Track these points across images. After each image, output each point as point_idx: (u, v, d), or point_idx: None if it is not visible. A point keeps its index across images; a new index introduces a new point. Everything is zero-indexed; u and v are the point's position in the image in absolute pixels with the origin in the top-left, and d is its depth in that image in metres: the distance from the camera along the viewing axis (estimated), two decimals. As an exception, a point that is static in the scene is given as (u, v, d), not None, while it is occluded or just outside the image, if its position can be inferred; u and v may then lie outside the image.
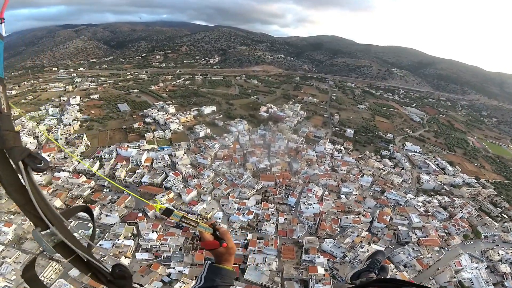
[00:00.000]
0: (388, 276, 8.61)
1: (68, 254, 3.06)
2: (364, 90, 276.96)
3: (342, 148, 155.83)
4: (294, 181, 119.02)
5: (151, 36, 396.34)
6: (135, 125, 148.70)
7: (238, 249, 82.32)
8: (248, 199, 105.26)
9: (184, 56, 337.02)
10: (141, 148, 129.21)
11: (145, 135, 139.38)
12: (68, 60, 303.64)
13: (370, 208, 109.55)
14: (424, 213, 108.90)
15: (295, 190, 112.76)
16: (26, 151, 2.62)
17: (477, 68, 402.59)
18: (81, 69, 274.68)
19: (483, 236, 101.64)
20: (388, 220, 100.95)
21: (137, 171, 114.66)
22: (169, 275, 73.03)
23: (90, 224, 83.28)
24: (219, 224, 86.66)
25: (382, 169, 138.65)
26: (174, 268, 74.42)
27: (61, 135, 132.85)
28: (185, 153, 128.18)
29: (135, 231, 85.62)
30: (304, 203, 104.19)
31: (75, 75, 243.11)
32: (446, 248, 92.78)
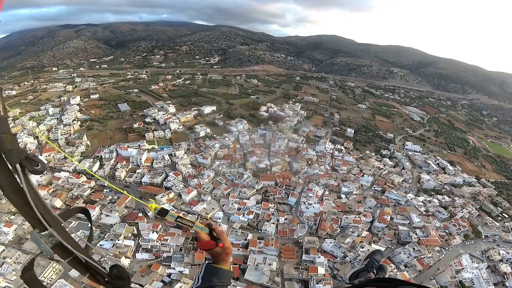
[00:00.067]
0: (387, 276, 8.67)
1: (66, 255, 3.08)
2: (364, 90, 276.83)
3: (342, 147, 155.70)
4: (295, 181, 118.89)
5: (151, 36, 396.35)
6: (135, 125, 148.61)
7: (239, 249, 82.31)
8: (248, 199, 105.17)
9: (184, 55, 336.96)
10: (141, 148, 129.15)
11: (145, 135, 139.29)
12: (68, 60, 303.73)
13: (370, 208, 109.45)
14: (424, 212, 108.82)
15: (295, 190, 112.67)
16: (23, 153, 2.64)
17: (477, 68, 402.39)
18: (81, 69, 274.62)
19: (483, 236, 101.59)
20: (389, 220, 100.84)
21: (137, 171, 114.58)
22: (169, 275, 72.94)
23: (89, 224, 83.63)
24: (219, 224, 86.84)
25: (382, 168, 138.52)
26: (174, 268, 74.32)
27: (61, 135, 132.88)
28: (185, 153, 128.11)
29: (135, 231, 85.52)
30: (304, 203, 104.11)
31: (75, 75, 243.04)
32: (446, 248, 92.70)
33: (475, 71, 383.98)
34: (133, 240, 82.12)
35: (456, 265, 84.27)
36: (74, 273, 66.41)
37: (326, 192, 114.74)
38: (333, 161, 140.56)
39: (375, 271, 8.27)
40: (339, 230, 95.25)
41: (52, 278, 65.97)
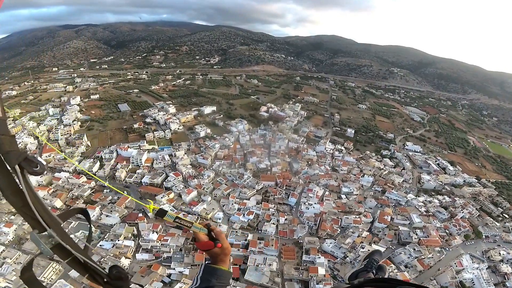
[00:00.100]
0: (386, 276, 8.65)
1: (65, 256, 3.10)
2: (365, 90, 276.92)
3: (342, 148, 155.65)
4: (295, 181, 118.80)
5: (151, 36, 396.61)
6: (136, 125, 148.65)
7: (239, 250, 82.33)
8: (249, 199, 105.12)
9: (184, 56, 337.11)
10: (141, 148, 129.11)
11: (146, 135, 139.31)
12: (68, 60, 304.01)
13: (371, 208, 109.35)
14: (425, 213, 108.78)
15: (295, 190, 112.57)
16: (22, 155, 2.66)
17: (477, 68, 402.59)
18: (81, 69, 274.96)
19: (484, 236, 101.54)
20: (389, 220, 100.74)
21: (138, 171, 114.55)
22: (169, 275, 72.83)
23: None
24: (219, 225, 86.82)
25: (382, 169, 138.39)
26: (174, 269, 74.23)
27: (61, 135, 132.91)
28: (185, 153, 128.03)
29: (135, 232, 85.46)
30: (304, 203, 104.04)
31: (75, 75, 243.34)
32: (447, 248, 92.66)
33: (475, 71, 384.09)
34: (133, 240, 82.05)
35: (456, 266, 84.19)
36: (74, 273, 66.33)
37: (327, 193, 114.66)
38: (333, 162, 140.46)
39: (374, 271, 8.26)
40: (339, 230, 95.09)
41: (52, 278, 65.89)
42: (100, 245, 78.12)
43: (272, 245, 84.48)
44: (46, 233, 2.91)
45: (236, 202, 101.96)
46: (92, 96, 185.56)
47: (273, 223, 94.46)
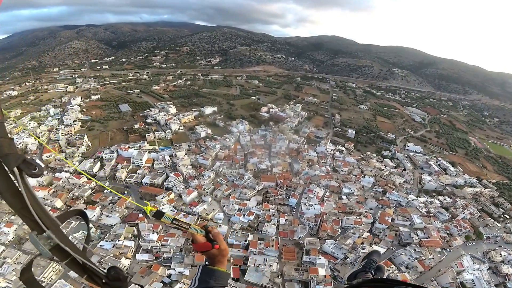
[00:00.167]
0: (384, 276, 8.79)
1: (64, 257, 3.13)
2: (366, 90, 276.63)
3: (343, 148, 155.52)
4: (295, 182, 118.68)
5: (152, 36, 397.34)
6: (136, 126, 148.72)
7: (239, 250, 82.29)
8: (249, 200, 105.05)
9: (185, 56, 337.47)
10: (142, 148, 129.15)
11: (146, 135, 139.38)
12: (69, 61, 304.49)
13: (371, 209, 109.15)
14: (425, 214, 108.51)
15: (296, 191, 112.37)
16: (20, 157, 2.67)
17: (478, 68, 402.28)
18: (82, 69, 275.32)
19: (485, 237, 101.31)
20: (390, 221, 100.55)
21: (138, 171, 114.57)
22: (169, 276, 72.77)
23: (90, 225, 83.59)
24: (219, 225, 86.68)
25: (383, 169, 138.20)
26: (174, 269, 74.17)
27: (62, 135, 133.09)
28: (185, 154, 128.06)
29: (135, 232, 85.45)
30: (305, 204, 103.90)
31: (76, 75, 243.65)
32: (448, 249, 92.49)
33: (476, 71, 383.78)
34: (133, 240, 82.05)
35: (457, 267, 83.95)
36: (73, 273, 65.81)
37: (327, 193, 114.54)
38: (334, 162, 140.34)
39: (373, 272, 8.36)
40: (340, 231, 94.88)
41: (52, 279, 65.92)
42: (100, 246, 78.14)
43: (273, 245, 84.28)
44: (44, 234, 2.93)
45: (236, 202, 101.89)
46: (93, 97, 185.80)
47: (274, 224, 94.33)
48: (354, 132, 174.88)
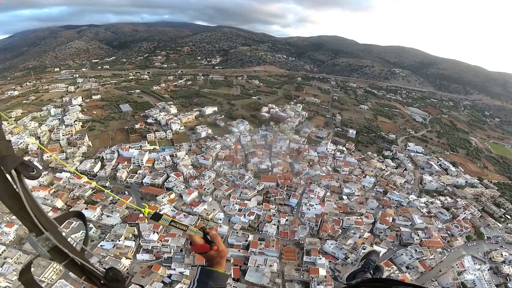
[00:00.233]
0: (384, 276, 8.90)
1: (62, 258, 3.15)
2: (366, 90, 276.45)
3: (344, 148, 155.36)
4: (296, 182, 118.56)
5: (153, 36, 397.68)
6: (137, 126, 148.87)
7: (239, 250, 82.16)
8: (249, 200, 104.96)
9: (186, 56, 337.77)
10: (142, 148, 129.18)
11: (147, 135, 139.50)
12: (70, 61, 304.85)
13: (372, 209, 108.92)
14: (426, 214, 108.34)
15: (296, 191, 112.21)
16: (18, 159, 2.69)
17: (479, 68, 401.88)
18: (83, 69, 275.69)
19: (486, 237, 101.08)
20: (391, 221, 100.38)
21: (139, 171, 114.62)
22: (169, 276, 72.73)
23: (90, 225, 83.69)
24: (220, 226, 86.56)
25: (384, 169, 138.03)
26: (175, 269, 74.13)
27: (63, 135, 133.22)
28: (186, 154, 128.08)
29: (136, 232, 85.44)
30: (305, 204, 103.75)
31: (77, 75, 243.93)
32: (448, 250, 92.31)
33: (477, 71, 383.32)
34: (134, 240, 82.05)
35: (458, 267, 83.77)
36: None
37: (328, 193, 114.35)
38: (334, 162, 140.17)
39: (371, 272, 8.42)
40: (340, 231, 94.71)
41: (52, 279, 65.96)
42: (100, 246, 78.15)
43: (273, 246, 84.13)
44: (43, 236, 2.94)
45: (237, 202, 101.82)
46: (93, 97, 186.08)
47: (274, 224, 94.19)
48: (355, 132, 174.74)
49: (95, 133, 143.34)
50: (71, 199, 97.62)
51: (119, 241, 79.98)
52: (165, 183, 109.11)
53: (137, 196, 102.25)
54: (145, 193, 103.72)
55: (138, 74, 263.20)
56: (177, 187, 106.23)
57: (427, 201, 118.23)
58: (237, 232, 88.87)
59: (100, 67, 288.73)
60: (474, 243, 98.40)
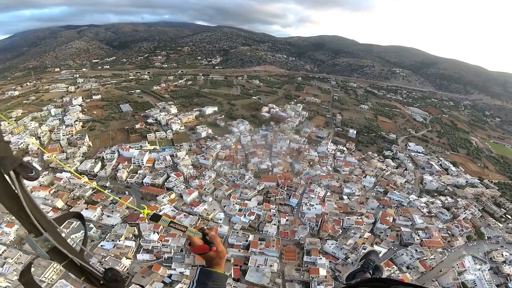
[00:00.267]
0: (383, 276, 8.82)
1: (61, 259, 3.15)
2: (367, 90, 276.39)
3: (344, 148, 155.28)
4: (296, 182, 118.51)
5: (153, 36, 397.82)
6: (137, 126, 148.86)
7: (240, 250, 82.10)
8: (250, 200, 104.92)
9: (186, 56, 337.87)
10: (143, 148, 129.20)
11: (147, 135, 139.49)
12: (71, 61, 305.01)
13: (373, 209, 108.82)
14: (427, 214, 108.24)
15: (297, 191, 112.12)
16: (17, 160, 2.69)
17: (479, 68, 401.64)
18: (83, 69, 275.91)
19: (486, 237, 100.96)
20: (391, 221, 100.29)
21: (139, 171, 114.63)
22: (170, 276, 72.75)
23: (91, 225, 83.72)
24: (220, 226, 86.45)
25: (385, 169, 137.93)
26: (175, 269, 74.17)
27: (63, 135, 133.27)
28: (186, 154, 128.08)
29: (136, 232, 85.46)
30: (306, 204, 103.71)
31: (78, 75, 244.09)
32: (449, 250, 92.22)
33: (477, 71, 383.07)
34: (134, 240, 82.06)
35: (458, 267, 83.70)
36: (74, 274, 66.18)
37: (328, 193, 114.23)
38: (335, 162, 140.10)
39: (371, 271, 8.46)
40: (341, 231, 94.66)
41: (52, 279, 65.97)
42: (101, 246, 78.15)
43: (273, 246, 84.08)
44: (42, 237, 2.94)
45: (237, 202, 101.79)
46: (94, 97, 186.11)
47: (274, 224, 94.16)
48: (355, 132, 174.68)
49: (96, 133, 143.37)
50: (71, 199, 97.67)
51: (119, 241, 80.00)
52: (165, 183, 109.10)
53: (138, 196, 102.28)
54: (145, 193, 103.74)
55: (138, 74, 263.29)
56: (177, 187, 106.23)
57: (428, 201, 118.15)
58: (237, 232, 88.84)
59: (100, 67, 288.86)
60: (475, 243, 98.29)
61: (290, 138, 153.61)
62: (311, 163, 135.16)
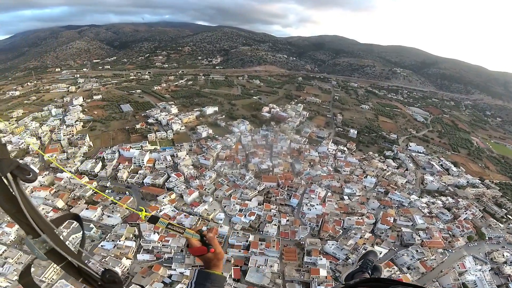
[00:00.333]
0: (382, 276, 8.83)
1: (59, 260, 3.13)
2: (367, 90, 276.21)
3: (345, 148, 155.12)
4: (297, 182, 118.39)
5: (154, 36, 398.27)
6: (138, 126, 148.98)
7: (240, 251, 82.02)
8: (250, 200, 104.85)
9: (187, 56, 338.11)
10: (143, 148, 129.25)
11: (148, 135, 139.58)
12: (71, 61, 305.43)
13: (373, 210, 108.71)
14: (428, 214, 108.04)
15: (297, 191, 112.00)
16: (14, 163, 2.71)
17: (480, 68, 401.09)
18: (84, 69, 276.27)
19: (487, 238, 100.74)
20: (392, 221, 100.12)
21: (139, 171, 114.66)
22: (170, 276, 72.71)
23: (91, 225, 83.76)
24: (220, 226, 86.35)
25: (385, 169, 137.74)
26: (175, 270, 74.14)
27: (64, 135, 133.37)
28: (187, 154, 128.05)
29: (136, 232, 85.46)
30: (306, 205, 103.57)
31: (78, 75, 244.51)
32: (450, 250, 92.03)
33: (478, 71, 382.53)
34: (134, 241, 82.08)
35: (459, 267, 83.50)
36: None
37: (329, 194, 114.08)
38: (335, 162, 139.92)
39: (369, 271, 8.51)
40: (341, 231, 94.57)
41: (53, 279, 66.02)
42: (101, 246, 78.11)
43: (274, 246, 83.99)
44: (40, 238, 2.95)
45: (237, 203, 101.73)
46: (94, 97, 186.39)
47: (275, 224, 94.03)
48: (356, 132, 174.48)
49: (96, 133, 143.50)
50: (72, 199, 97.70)
51: (119, 241, 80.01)
52: (166, 183, 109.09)
53: (138, 197, 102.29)
54: (146, 193, 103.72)
55: (139, 74, 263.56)
56: (177, 187, 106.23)
57: (429, 201, 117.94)
58: (237, 233, 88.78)
59: (101, 67, 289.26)
60: (476, 244, 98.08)
61: (291, 138, 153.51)
62: (311, 163, 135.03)
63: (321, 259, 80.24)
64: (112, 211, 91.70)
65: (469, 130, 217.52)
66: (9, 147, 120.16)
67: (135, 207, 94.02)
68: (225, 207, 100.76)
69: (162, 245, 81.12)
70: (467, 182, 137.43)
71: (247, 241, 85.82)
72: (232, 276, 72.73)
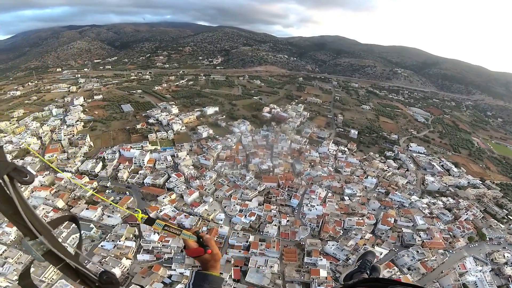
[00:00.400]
0: (380, 276, 8.86)
1: (57, 262, 3.16)
2: (368, 90, 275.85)
3: (346, 149, 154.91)
4: (297, 183, 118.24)
5: (155, 36, 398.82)
6: (138, 126, 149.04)
7: (240, 251, 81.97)
8: (251, 200, 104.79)
9: (188, 56, 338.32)
10: (144, 149, 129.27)
11: (148, 135, 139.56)
12: (72, 61, 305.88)
13: (374, 210, 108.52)
14: (428, 215, 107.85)
15: (298, 191, 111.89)
16: (10, 165, 2.72)
17: (481, 68, 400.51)
18: (85, 69, 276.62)
19: (488, 239, 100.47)
20: (393, 222, 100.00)
21: (140, 172, 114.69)
22: (170, 276, 72.75)
23: (91, 225, 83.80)
24: (220, 226, 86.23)
25: (386, 170, 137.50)
26: (175, 270, 74.17)
27: (64, 135, 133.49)
28: (187, 154, 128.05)
29: (136, 232, 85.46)
30: (307, 205, 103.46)
31: (79, 75, 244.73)
32: (450, 251, 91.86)
33: (479, 71, 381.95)
34: (134, 241, 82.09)
35: (460, 268, 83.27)
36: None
37: (329, 194, 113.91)
38: (336, 163, 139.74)
39: (368, 272, 8.52)
40: (342, 232, 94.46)
41: (52, 279, 66.06)
42: (101, 246, 78.13)
43: (274, 246, 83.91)
44: (37, 240, 2.96)
45: (238, 203, 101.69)
46: (95, 97, 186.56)
47: (275, 225, 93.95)
48: (356, 132, 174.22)
49: (97, 133, 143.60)
50: (72, 199, 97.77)
51: (119, 241, 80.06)
52: (166, 183, 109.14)
53: (138, 197, 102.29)
54: (146, 194, 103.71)
55: (139, 74, 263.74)
56: (178, 187, 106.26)
57: (429, 202, 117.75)
58: (238, 233, 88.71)
59: (102, 67, 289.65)
60: (476, 244, 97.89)
61: (291, 138, 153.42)
62: (312, 163, 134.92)
63: (321, 259, 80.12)
64: (112, 211, 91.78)
65: (470, 130, 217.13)
66: (9, 147, 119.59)
67: (135, 208, 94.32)
68: (225, 207, 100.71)
69: (162, 246, 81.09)
70: (468, 182, 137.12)
71: (247, 241, 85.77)
72: (232, 277, 72.71)
